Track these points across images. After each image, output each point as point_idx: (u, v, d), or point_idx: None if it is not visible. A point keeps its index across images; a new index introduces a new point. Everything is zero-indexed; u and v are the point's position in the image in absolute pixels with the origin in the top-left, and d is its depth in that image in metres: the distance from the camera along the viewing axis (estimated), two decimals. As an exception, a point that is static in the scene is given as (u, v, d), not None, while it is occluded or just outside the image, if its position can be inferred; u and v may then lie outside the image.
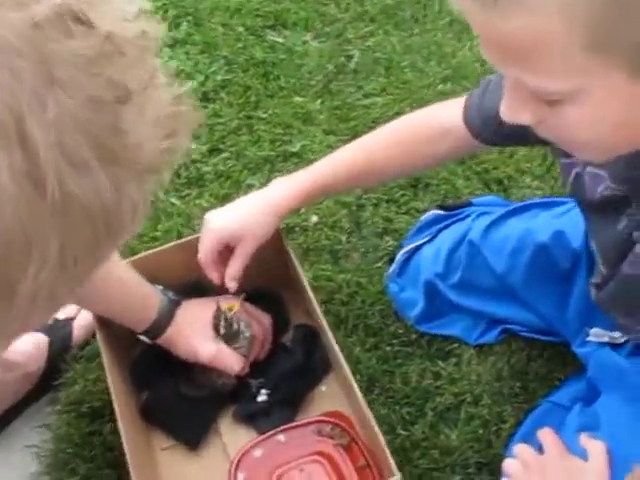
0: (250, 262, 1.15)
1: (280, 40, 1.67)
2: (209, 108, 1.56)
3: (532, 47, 0.61)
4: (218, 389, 1.21)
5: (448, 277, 1.26)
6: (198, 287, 1.21)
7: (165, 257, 1.19)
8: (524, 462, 1.03)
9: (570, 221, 1.16)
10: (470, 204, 1.32)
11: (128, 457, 1.01)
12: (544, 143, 0.80)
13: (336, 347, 1.11)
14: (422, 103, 1.53)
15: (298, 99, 1.57)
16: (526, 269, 1.20)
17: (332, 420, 1.19)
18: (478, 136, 1.05)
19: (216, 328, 1.16)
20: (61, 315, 1.32)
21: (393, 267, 1.32)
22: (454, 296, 1.26)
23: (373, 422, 1.04)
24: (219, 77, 1.61)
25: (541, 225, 1.20)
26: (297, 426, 1.19)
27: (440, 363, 1.26)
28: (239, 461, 1.17)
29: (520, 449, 1.05)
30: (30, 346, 1.26)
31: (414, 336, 1.29)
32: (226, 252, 1.16)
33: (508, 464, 1.05)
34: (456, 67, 1.61)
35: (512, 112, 0.72)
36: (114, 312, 1.12)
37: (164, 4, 1.73)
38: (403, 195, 1.44)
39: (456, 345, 1.28)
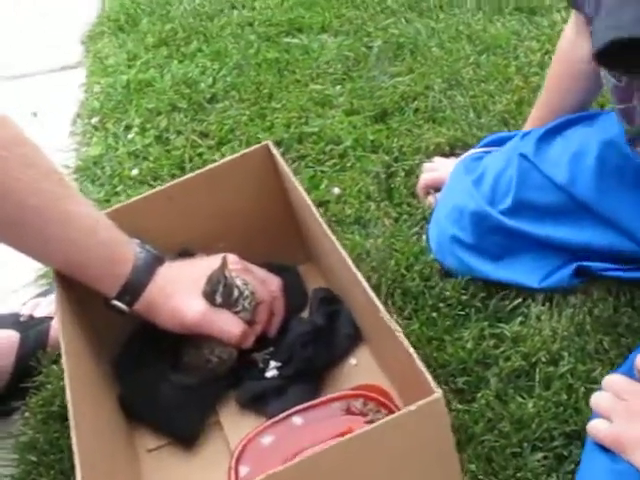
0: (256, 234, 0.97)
1: (295, 41, 1.53)
2: (218, 107, 1.40)
3: None
4: (213, 368, 0.94)
5: (498, 202, 1.00)
6: (185, 255, 0.99)
7: (143, 210, 0.98)
8: (617, 391, 0.76)
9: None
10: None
11: (77, 464, 0.71)
12: None
13: (380, 305, 0.82)
14: (457, 76, 1.35)
15: (315, 86, 1.40)
16: (595, 172, 0.95)
17: (364, 393, 0.90)
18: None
19: (211, 296, 0.91)
20: (38, 313, 1.10)
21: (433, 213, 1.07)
22: (509, 221, 0.99)
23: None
24: (229, 79, 1.46)
25: (604, 126, 0.95)
26: (317, 404, 0.91)
27: (501, 324, 0.98)
28: (242, 452, 0.88)
29: (610, 380, 0.77)
30: (-6, 340, 1.04)
31: (465, 297, 1.01)
32: None
33: (597, 398, 0.77)
34: (490, 41, 1.42)
35: None
36: (76, 264, 0.89)
37: (172, 27, 1.63)
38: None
39: (519, 300, 0.99)
